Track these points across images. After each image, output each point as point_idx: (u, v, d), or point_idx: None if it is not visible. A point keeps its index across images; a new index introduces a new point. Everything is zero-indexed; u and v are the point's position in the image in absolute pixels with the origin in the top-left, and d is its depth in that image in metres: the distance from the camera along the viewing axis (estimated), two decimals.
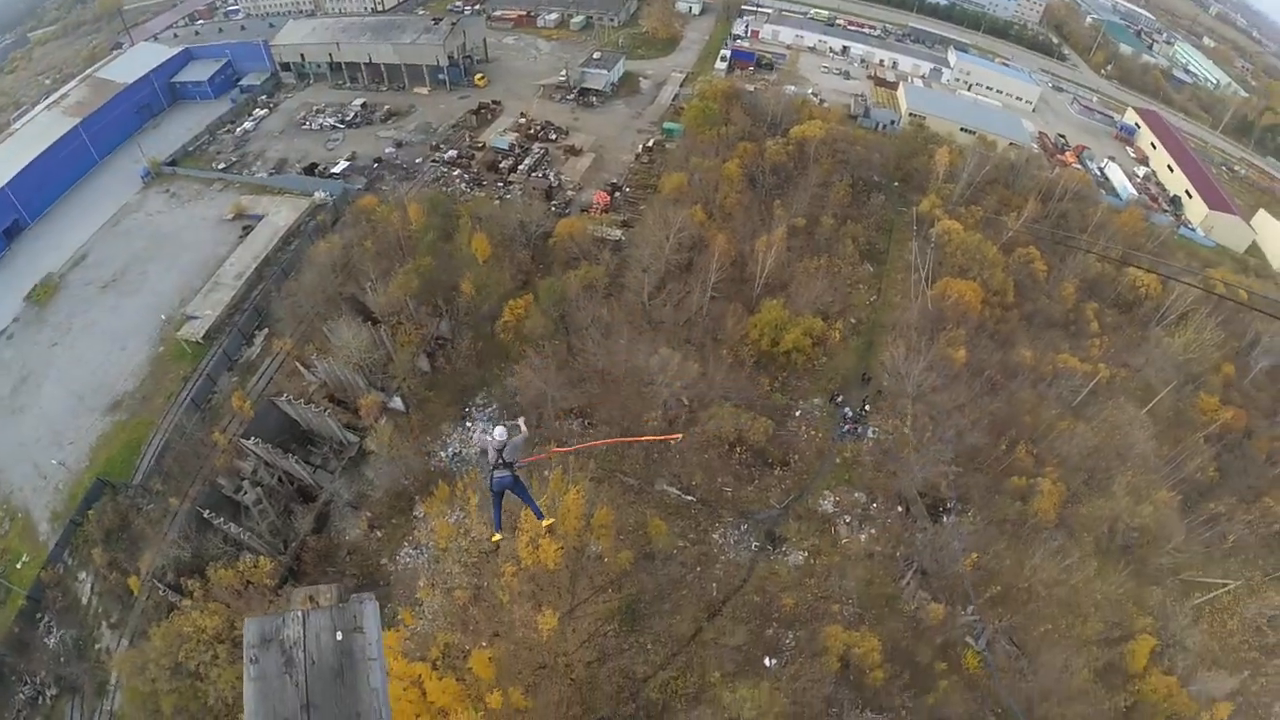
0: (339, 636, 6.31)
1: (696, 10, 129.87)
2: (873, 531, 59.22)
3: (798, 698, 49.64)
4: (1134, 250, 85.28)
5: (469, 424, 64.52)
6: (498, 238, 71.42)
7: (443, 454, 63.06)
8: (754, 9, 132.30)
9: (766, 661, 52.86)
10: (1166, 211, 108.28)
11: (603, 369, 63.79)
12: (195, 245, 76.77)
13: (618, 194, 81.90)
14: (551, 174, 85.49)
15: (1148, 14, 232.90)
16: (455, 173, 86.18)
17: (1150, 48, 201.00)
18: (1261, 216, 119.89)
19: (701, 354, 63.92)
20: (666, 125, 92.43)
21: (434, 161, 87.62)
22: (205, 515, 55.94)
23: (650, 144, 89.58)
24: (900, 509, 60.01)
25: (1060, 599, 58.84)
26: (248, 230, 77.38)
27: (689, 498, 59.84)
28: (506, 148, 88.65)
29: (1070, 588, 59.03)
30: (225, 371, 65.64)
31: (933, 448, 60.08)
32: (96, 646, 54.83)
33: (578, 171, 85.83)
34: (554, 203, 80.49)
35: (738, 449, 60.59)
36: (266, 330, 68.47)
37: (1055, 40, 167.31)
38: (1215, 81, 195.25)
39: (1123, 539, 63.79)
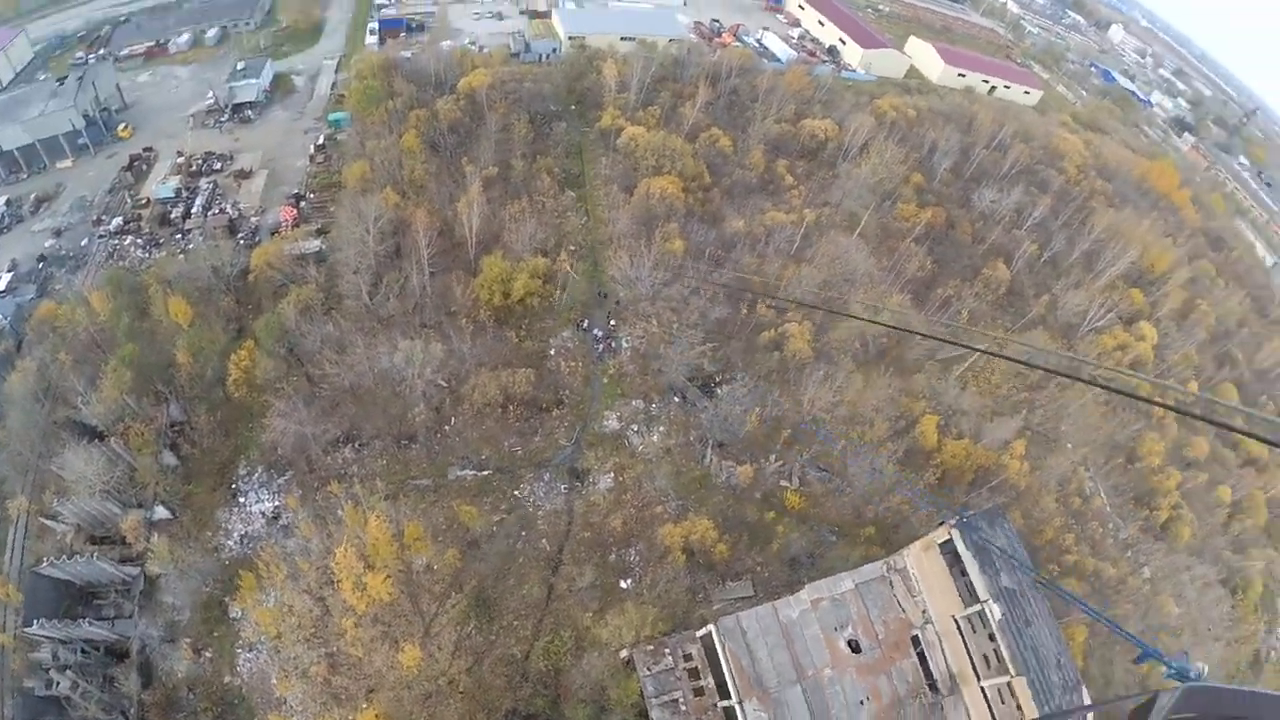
0: None
1: None
2: (661, 429, 65.24)
3: (664, 600, 54.70)
4: (805, 103, 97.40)
5: (242, 500, 62.68)
6: (194, 294, 68.91)
7: (230, 542, 60.99)
8: None
9: (623, 584, 57.36)
10: (826, 61, 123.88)
11: (351, 386, 64.21)
12: None
13: (303, 204, 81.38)
14: (228, 206, 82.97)
15: None
16: (127, 241, 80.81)
17: None
18: (912, 43, 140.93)
19: (441, 332, 66.26)
20: (332, 117, 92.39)
21: (101, 237, 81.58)
22: None
23: (321, 142, 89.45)
24: (677, 399, 66.23)
25: (844, 416, 68.70)
26: None
27: (485, 472, 62.40)
28: (173, 195, 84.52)
29: (848, 404, 68.84)
30: None
31: (683, 334, 66.67)
32: None
33: (254, 194, 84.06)
34: (240, 235, 78.53)
35: (510, 407, 63.84)
36: None
37: None
38: None
39: (875, 347, 74.37)
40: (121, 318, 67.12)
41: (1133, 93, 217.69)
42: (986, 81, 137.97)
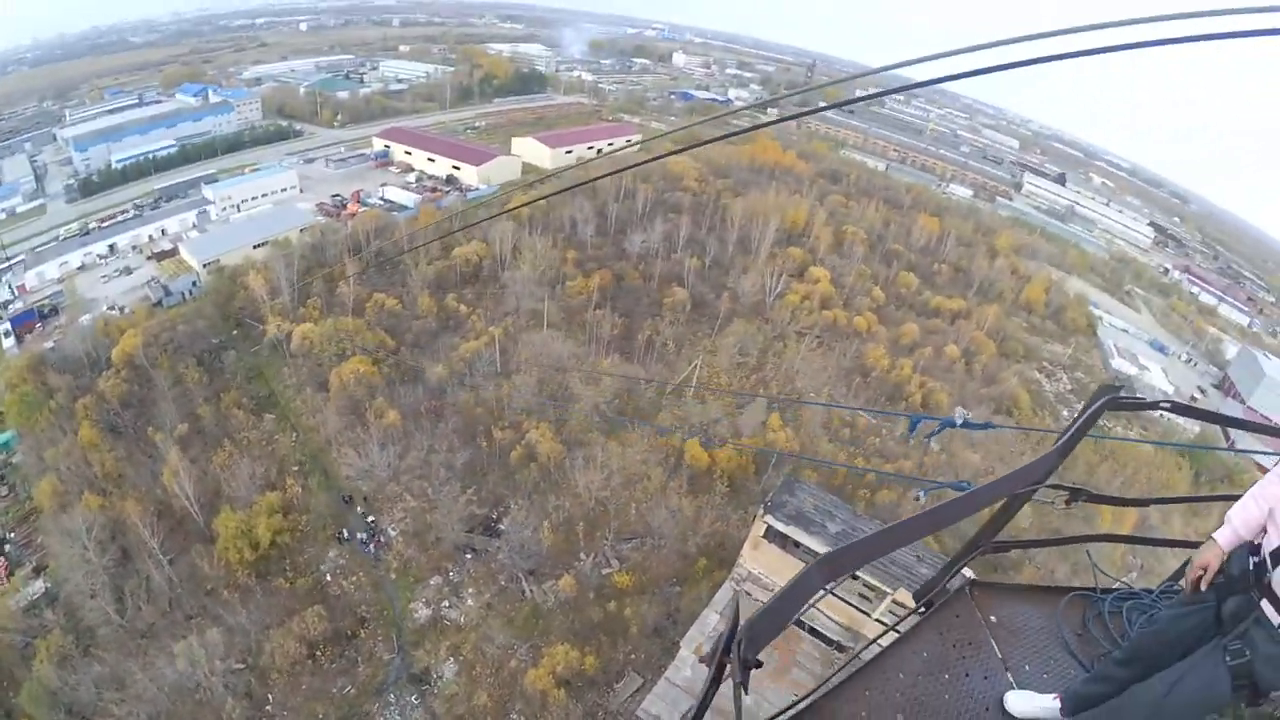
0: None
1: None
2: (471, 590, 64.20)
3: None
4: (444, 234, 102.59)
5: None
6: None
7: None
8: (4, 263, 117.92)
9: None
10: (449, 191, 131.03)
11: (150, 717, 55.57)
12: None
13: (8, 548, 69.29)
14: None
15: (350, 56, 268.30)
16: None
17: (361, 80, 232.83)
18: (516, 143, 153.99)
19: (209, 615, 60.37)
20: None
21: None
22: None
23: None
24: (468, 555, 65.73)
25: (620, 483, 71.66)
26: None
27: None
28: None
29: (619, 471, 72.21)
30: None
31: (442, 492, 66.60)
32: None
33: None
34: None
35: (318, 653, 59.26)
36: None
37: (285, 123, 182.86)
38: (426, 74, 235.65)
39: (612, 410, 79.01)
40: None
41: (712, 99, 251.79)
42: (591, 148, 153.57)
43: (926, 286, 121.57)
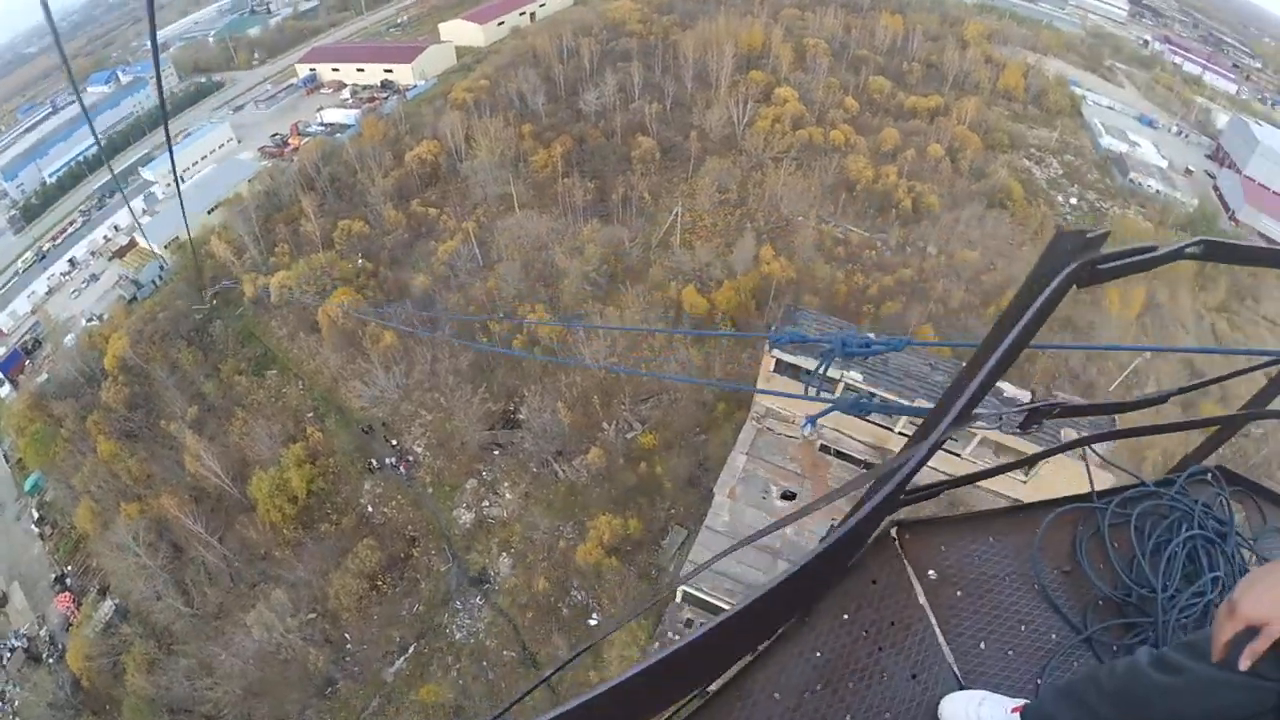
0: None
1: None
2: (506, 484, 65.43)
3: (630, 598, 53.87)
4: (395, 143, 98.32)
5: None
6: None
7: None
8: None
9: (591, 622, 56.03)
10: (389, 96, 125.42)
11: (243, 690, 58.05)
12: None
13: (68, 580, 73.12)
14: (13, 639, 72.33)
15: None
16: None
17: (269, 10, 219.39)
18: (444, 28, 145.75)
19: (270, 578, 63.00)
20: (28, 487, 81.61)
21: None
22: None
23: (36, 516, 79.30)
24: (495, 451, 67.14)
25: (648, 352, 70.69)
26: None
27: (410, 649, 59.37)
28: None
29: (643, 337, 71.44)
30: None
31: (455, 398, 67.13)
32: None
33: (25, 611, 73.46)
34: (46, 655, 68.39)
35: (378, 582, 61.60)
36: None
37: (204, 79, 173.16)
38: None
39: (600, 277, 77.32)
40: None
41: None
42: (523, 14, 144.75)
43: (900, 89, 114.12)
